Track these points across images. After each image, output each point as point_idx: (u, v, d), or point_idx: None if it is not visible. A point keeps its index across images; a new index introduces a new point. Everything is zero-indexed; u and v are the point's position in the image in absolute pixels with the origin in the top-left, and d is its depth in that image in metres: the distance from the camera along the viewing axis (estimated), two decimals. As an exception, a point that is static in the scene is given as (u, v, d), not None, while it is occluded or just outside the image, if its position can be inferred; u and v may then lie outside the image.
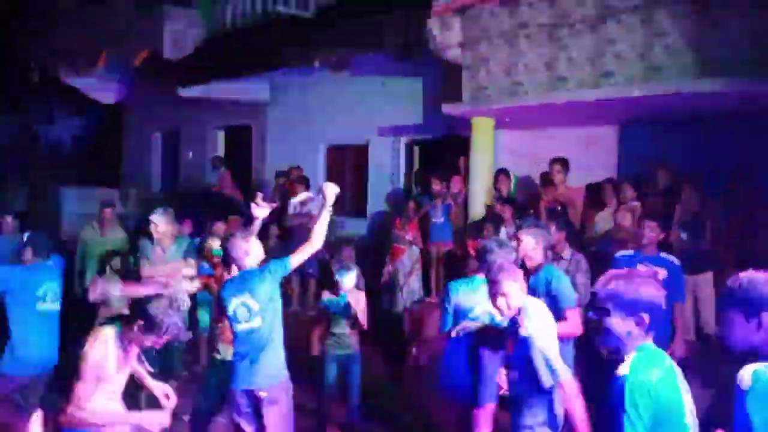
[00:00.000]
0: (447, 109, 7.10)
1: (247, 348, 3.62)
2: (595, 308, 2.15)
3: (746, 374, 1.92)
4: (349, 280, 4.92)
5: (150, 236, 5.59)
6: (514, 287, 3.21)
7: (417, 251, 7.52)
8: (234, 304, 3.62)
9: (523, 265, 3.94)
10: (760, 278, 1.97)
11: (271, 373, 3.63)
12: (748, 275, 1.99)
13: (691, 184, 5.72)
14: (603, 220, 6.10)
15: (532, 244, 4.01)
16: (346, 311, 4.93)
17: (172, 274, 5.19)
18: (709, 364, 5.12)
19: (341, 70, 8.90)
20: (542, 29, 6.20)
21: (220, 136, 11.95)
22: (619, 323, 2.08)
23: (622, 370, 2.04)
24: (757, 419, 1.86)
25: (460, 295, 3.95)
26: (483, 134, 7.12)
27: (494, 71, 6.66)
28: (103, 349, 3.05)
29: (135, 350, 3.24)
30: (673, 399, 2.03)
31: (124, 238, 7.22)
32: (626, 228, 5.74)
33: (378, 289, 7.35)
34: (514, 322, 3.23)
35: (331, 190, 3.68)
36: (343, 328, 4.97)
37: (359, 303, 5.01)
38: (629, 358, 2.07)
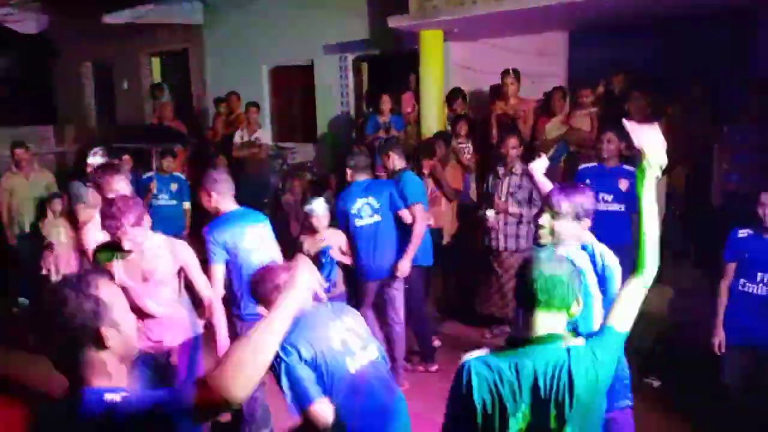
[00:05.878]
0: (393, 22, 6.77)
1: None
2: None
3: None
4: (318, 207, 4.44)
5: (84, 177, 5.26)
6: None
7: (374, 173, 7.38)
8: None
9: None
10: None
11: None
12: None
13: (641, 89, 5.67)
14: (554, 129, 6.03)
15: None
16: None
17: None
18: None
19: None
20: (487, -69, 5.87)
21: (156, 62, 11.26)
22: None
23: None
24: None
25: None
26: (432, 48, 6.84)
27: (440, -20, 6.34)
28: None
29: None
30: None
31: (51, 182, 6.83)
32: (582, 131, 5.69)
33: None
34: None
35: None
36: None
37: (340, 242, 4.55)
38: None
